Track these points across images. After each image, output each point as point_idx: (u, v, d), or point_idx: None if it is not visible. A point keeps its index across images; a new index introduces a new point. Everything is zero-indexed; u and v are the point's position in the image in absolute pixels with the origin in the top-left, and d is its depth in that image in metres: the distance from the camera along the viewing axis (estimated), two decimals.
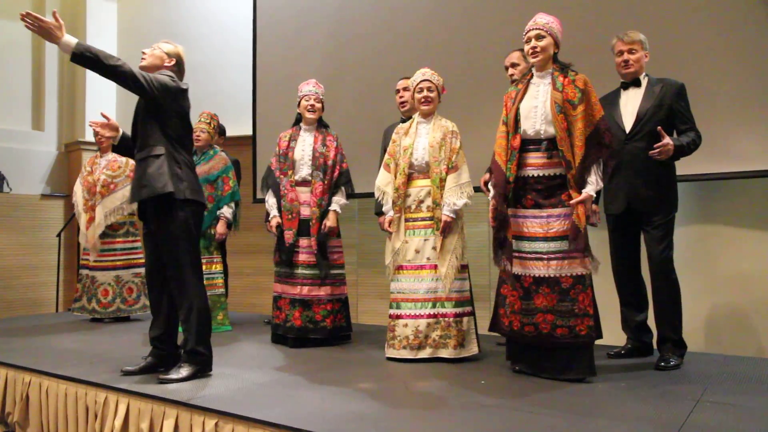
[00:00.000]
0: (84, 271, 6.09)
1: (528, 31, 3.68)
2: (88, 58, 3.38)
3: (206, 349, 3.68)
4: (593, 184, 3.53)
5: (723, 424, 2.75)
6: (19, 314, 7.23)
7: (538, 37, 3.64)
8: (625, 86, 4.04)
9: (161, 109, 3.68)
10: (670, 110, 3.88)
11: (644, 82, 3.99)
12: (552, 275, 3.55)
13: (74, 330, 5.58)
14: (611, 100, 4.05)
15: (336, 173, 4.82)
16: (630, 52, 3.96)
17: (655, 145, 3.75)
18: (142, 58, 3.82)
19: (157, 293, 3.79)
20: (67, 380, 3.75)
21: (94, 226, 5.91)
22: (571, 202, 3.50)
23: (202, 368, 3.67)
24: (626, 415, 2.88)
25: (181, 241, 3.60)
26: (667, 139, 3.73)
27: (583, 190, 3.52)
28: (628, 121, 3.94)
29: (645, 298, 4.14)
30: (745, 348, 4.59)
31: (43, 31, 3.28)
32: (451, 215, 4.08)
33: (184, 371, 3.58)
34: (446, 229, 4.10)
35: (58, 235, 7.34)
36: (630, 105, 3.98)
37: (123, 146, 3.95)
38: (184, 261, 3.60)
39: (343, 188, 4.86)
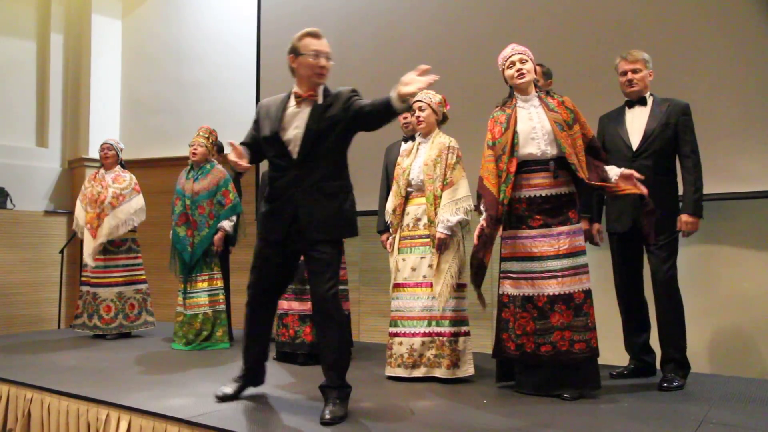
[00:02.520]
0: (84, 288, 6.09)
1: (509, 57, 3.79)
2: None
3: (347, 383, 3.34)
4: (614, 169, 3.65)
5: None
6: (21, 331, 7.22)
7: (522, 61, 3.75)
8: (630, 104, 4.05)
9: (351, 137, 3.43)
10: (676, 130, 3.89)
11: (650, 100, 4.00)
12: (566, 292, 3.58)
13: (76, 346, 5.58)
14: (616, 118, 4.09)
15: None
16: (634, 71, 3.97)
17: (683, 233, 3.87)
18: (323, 75, 3.38)
19: (265, 315, 3.57)
20: (68, 397, 3.74)
21: (102, 234, 5.92)
22: (635, 180, 3.55)
23: (348, 402, 3.33)
24: None
25: (337, 271, 3.37)
26: (685, 227, 3.82)
27: (619, 172, 3.60)
28: (634, 139, 3.95)
29: (647, 318, 4.14)
30: (749, 369, 4.58)
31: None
32: (445, 232, 4.05)
33: (343, 408, 3.22)
34: (441, 246, 4.08)
35: (61, 252, 7.34)
36: (636, 123, 3.99)
37: (252, 160, 3.51)
38: (337, 290, 3.34)
39: None
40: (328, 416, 3.10)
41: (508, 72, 3.78)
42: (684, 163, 3.91)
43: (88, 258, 5.94)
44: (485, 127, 3.90)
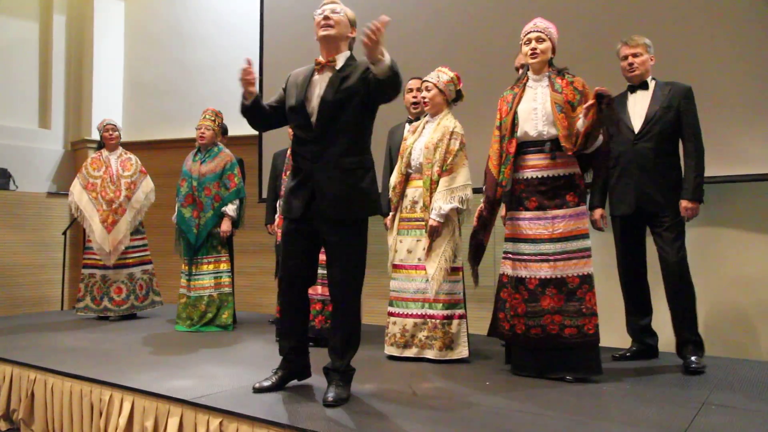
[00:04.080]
0: (87, 271, 6.09)
1: (528, 33, 3.71)
2: (394, 82, 2.94)
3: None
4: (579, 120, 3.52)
5: (728, 427, 2.75)
6: (24, 312, 7.25)
7: (539, 40, 3.67)
8: (633, 89, 4.05)
9: (376, 107, 3.24)
10: (678, 113, 3.89)
11: (652, 84, 4.01)
12: (559, 276, 3.56)
13: (79, 328, 5.59)
14: (618, 103, 4.02)
15: None
16: (634, 55, 3.98)
17: (687, 218, 3.86)
18: (328, 25, 3.15)
19: (296, 300, 3.37)
20: (72, 378, 3.76)
21: (121, 230, 5.94)
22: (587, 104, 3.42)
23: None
24: (631, 418, 2.88)
25: (363, 255, 3.31)
26: (685, 212, 3.82)
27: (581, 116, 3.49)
28: (636, 122, 3.96)
29: (650, 301, 4.15)
30: (750, 351, 4.58)
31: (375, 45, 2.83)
32: (437, 219, 4.05)
33: (346, 390, 3.20)
34: (433, 234, 4.08)
35: (64, 233, 7.34)
36: (638, 106, 4.00)
37: (258, 110, 3.28)
38: (361, 276, 3.29)
39: None
40: (331, 398, 3.08)
41: (524, 48, 3.73)
42: (685, 147, 3.92)
43: (111, 259, 5.95)
44: (492, 111, 3.88)
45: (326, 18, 3.14)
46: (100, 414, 3.53)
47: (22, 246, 7.56)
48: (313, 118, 3.15)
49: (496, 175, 3.72)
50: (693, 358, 3.80)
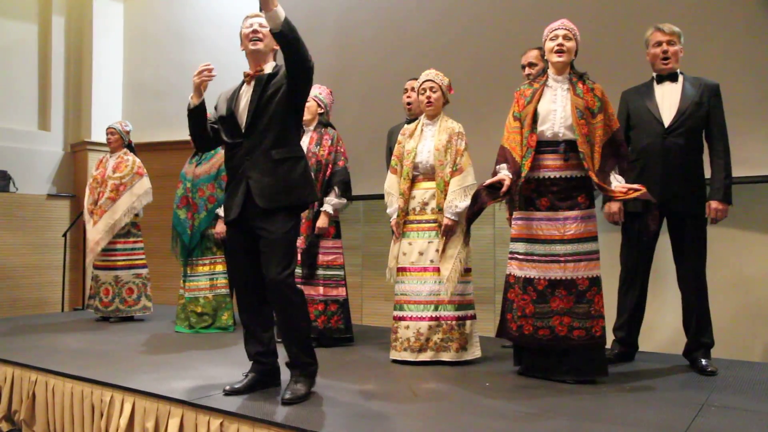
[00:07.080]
0: (94, 269, 6.15)
1: (555, 29, 3.63)
2: (290, 39, 3.09)
3: (315, 360, 3.35)
4: (618, 178, 3.53)
5: (728, 428, 2.76)
6: (24, 313, 7.24)
7: (566, 38, 3.60)
8: (660, 79, 3.92)
9: (303, 98, 3.39)
10: (708, 110, 3.79)
11: (680, 77, 3.88)
12: (569, 277, 3.54)
13: (80, 329, 5.60)
14: (644, 93, 3.93)
15: (328, 172, 4.73)
16: (670, 43, 3.84)
17: (712, 220, 3.80)
18: (257, 39, 3.30)
19: (253, 305, 3.39)
20: (73, 379, 3.76)
21: (99, 230, 5.92)
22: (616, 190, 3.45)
23: (314, 379, 3.35)
24: (630, 420, 2.88)
25: (294, 247, 3.31)
26: (715, 213, 3.76)
27: (619, 184, 3.49)
28: (666, 116, 3.83)
29: (644, 306, 4.08)
30: (750, 352, 4.59)
31: None
32: (453, 218, 4.04)
33: (304, 387, 3.23)
34: (448, 233, 4.07)
35: (64, 235, 7.35)
36: (668, 99, 3.85)
37: (204, 115, 3.41)
38: (293, 268, 3.26)
39: (336, 188, 4.72)
40: (288, 395, 3.13)
41: (549, 44, 3.65)
42: (715, 146, 3.80)
43: (88, 258, 6.00)
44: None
45: (255, 32, 3.30)
46: (101, 415, 3.53)
47: (22, 248, 7.57)
48: (243, 120, 3.28)
49: (519, 164, 3.61)
50: (704, 361, 3.79)
